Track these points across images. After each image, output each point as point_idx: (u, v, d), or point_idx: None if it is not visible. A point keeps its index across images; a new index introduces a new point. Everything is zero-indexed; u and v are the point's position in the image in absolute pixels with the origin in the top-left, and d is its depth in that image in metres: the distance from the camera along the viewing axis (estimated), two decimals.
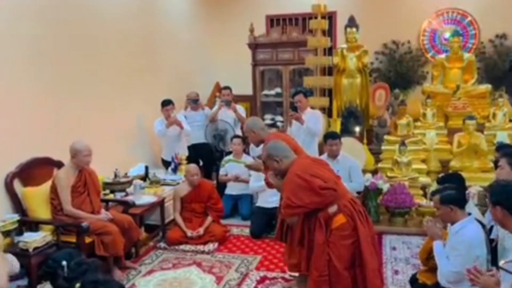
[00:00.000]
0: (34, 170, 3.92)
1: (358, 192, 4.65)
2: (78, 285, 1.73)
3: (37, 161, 3.95)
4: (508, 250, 2.41)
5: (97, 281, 1.71)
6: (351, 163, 4.58)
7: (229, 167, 5.44)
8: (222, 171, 5.50)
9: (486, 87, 6.46)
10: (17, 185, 3.79)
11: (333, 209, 2.76)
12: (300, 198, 2.73)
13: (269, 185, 3.34)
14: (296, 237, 3.00)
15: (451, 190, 2.77)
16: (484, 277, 2.05)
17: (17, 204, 3.77)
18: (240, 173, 5.30)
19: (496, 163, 3.43)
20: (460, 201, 2.72)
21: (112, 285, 1.74)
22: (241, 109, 5.99)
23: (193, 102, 5.90)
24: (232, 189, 5.42)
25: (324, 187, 2.75)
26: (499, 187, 2.27)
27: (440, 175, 4.43)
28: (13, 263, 2.98)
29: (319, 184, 2.74)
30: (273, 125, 4.95)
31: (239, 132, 5.81)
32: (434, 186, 4.76)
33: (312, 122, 4.76)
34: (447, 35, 7.29)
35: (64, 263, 2.34)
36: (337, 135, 4.65)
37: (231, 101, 5.82)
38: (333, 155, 4.51)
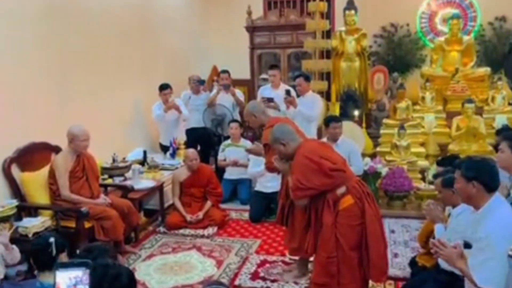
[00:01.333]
0: (32, 155, 3.89)
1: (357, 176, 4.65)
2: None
3: (34, 146, 3.91)
4: (460, 232, 2.39)
5: (108, 265, 1.70)
6: (351, 147, 4.57)
7: (229, 152, 5.42)
8: (221, 156, 5.48)
9: (485, 70, 6.43)
10: (15, 170, 3.76)
11: (341, 190, 2.76)
12: (310, 180, 2.72)
13: (269, 169, 3.33)
14: (302, 219, 2.99)
15: (453, 174, 2.76)
16: (447, 250, 2.12)
17: (16, 190, 3.74)
18: (239, 157, 5.29)
19: (496, 146, 3.42)
20: None
21: (121, 269, 1.73)
22: (239, 93, 5.95)
23: (200, 83, 5.85)
24: (231, 173, 5.41)
25: (334, 169, 2.75)
26: (474, 162, 2.26)
27: (442, 157, 4.43)
28: (15, 254, 2.96)
29: (329, 166, 2.74)
30: (270, 100, 4.95)
31: (237, 116, 5.79)
32: (433, 170, 4.78)
33: (307, 106, 4.73)
34: (446, 17, 7.22)
35: (51, 239, 2.40)
36: (340, 119, 4.63)
37: (230, 85, 5.77)
38: (334, 139, 4.49)
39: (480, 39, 7.25)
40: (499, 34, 7.22)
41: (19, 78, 3.87)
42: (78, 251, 2.37)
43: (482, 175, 2.16)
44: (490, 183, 2.16)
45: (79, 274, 1.45)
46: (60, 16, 4.34)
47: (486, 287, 2.03)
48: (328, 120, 4.56)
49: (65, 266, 1.48)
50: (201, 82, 5.90)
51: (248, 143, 5.27)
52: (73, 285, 1.44)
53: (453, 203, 2.73)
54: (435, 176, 2.90)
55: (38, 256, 2.40)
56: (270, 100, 4.94)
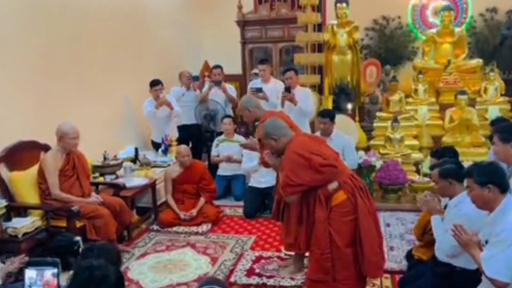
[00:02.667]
0: (20, 154, 3.80)
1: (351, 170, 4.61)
2: (70, 273, 1.64)
3: (23, 144, 3.82)
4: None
5: (92, 267, 1.63)
6: (345, 141, 4.53)
7: (222, 147, 5.35)
8: (214, 152, 5.42)
9: (477, 61, 6.43)
10: (3, 169, 3.67)
11: (333, 186, 2.70)
12: (300, 177, 2.67)
13: (265, 164, 3.28)
14: (294, 215, 2.94)
15: (451, 164, 2.74)
16: (467, 236, 2.25)
17: (4, 189, 3.66)
18: (233, 153, 5.23)
19: (491, 138, 3.41)
20: (459, 175, 2.69)
21: (108, 270, 1.65)
22: (232, 88, 5.88)
23: (194, 79, 5.79)
24: (225, 170, 5.35)
25: (324, 164, 2.69)
26: (484, 167, 2.32)
27: (436, 148, 4.43)
28: None
29: (319, 161, 2.68)
30: (258, 90, 4.94)
31: (230, 112, 5.74)
32: (427, 162, 4.77)
33: (303, 101, 4.70)
34: (437, 9, 7.20)
35: (77, 238, 2.33)
36: (327, 114, 4.55)
37: (221, 81, 5.70)
38: (325, 133, 4.45)
39: (472, 30, 7.24)
40: (490, 26, 7.22)
41: (5, 76, 3.78)
42: (80, 250, 2.25)
43: (496, 177, 2.24)
44: (503, 184, 2.24)
45: (33, 276, 1.40)
46: (48, 12, 4.25)
47: (494, 278, 2.12)
48: (317, 114, 4.53)
49: (33, 264, 1.43)
50: (195, 78, 5.84)
51: (242, 139, 5.22)
52: (28, 286, 1.40)
53: (450, 194, 2.71)
54: (432, 167, 2.88)
55: (63, 255, 2.19)
56: (259, 90, 4.91)
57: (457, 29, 6.63)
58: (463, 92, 5.50)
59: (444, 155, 3.31)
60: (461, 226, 2.28)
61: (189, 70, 6.00)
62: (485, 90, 5.97)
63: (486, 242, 2.28)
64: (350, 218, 2.69)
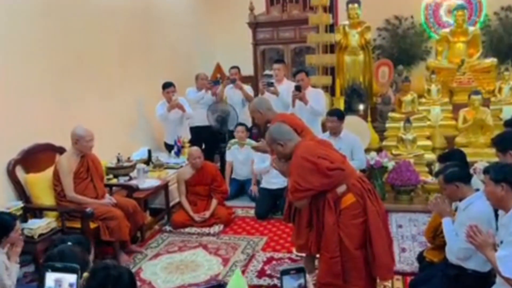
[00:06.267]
0: (36, 156, 3.89)
1: (362, 171, 4.59)
2: (85, 274, 1.69)
3: (39, 147, 3.92)
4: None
5: (108, 267, 1.68)
6: (353, 140, 4.52)
7: (234, 150, 5.36)
8: (228, 157, 5.42)
9: (491, 61, 6.34)
10: (19, 172, 3.77)
11: (341, 189, 2.71)
12: (308, 181, 2.67)
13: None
14: (304, 219, 2.96)
15: (454, 168, 2.72)
16: (482, 237, 2.26)
17: (21, 191, 3.75)
18: (244, 155, 5.27)
19: None
20: (464, 177, 2.69)
21: (122, 269, 1.71)
22: (249, 89, 5.88)
23: (215, 83, 5.85)
24: (239, 173, 5.38)
25: (332, 168, 2.69)
26: (502, 166, 2.39)
27: (441, 153, 4.37)
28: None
29: (327, 165, 2.68)
30: (270, 84, 4.95)
31: (246, 113, 5.72)
32: (438, 165, 4.72)
33: (315, 101, 4.71)
34: (451, 8, 7.12)
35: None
36: (336, 113, 4.53)
37: (236, 79, 5.73)
38: (333, 132, 4.46)
39: (486, 29, 7.14)
40: (505, 24, 7.12)
41: (22, 79, 3.87)
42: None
43: (510, 177, 2.27)
44: None
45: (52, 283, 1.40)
46: (62, 15, 4.33)
47: (509, 277, 2.15)
48: (326, 114, 4.55)
49: (54, 269, 1.46)
50: (216, 82, 5.89)
51: (253, 142, 5.24)
52: None
53: (459, 197, 2.69)
54: (437, 174, 2.86)
55: None
56: (270, 84, 4.93)
57: (471, 28, 6.54)
58: (477, 92, 5.43)
59: (450, 158, 3.26)
60: (476, 226, 2.30)
61: (205, 73, 6.03)
62: (500, 90, 5.89)
63: (501, 242, 2.28)
64: (360, 221, 2.69)
